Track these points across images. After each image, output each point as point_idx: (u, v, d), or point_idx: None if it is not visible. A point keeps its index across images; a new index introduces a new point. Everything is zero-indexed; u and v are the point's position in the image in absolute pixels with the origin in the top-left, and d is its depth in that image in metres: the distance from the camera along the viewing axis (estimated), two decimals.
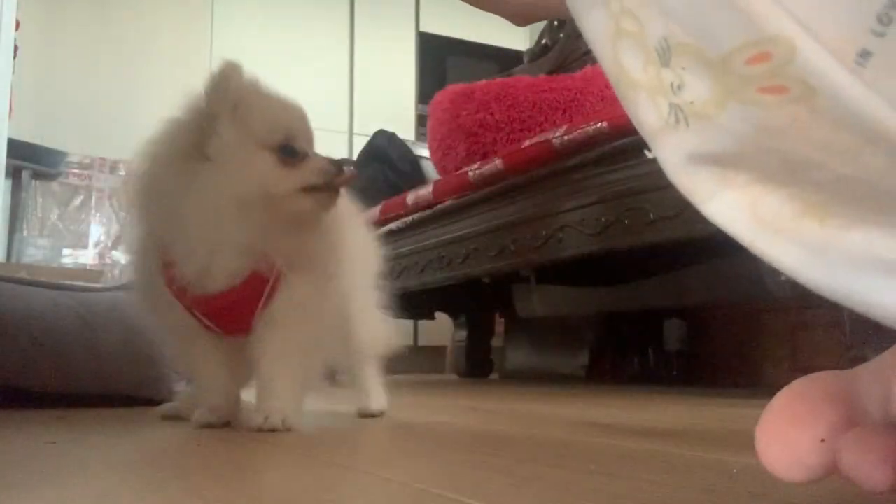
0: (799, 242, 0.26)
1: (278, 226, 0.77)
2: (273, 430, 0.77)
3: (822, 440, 0.34)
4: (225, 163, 0.75)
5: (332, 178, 0.78)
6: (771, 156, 0.26)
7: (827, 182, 0.25)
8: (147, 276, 0.81)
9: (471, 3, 0.67)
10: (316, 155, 0.79)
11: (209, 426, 0.82)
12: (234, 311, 0.79)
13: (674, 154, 0.29)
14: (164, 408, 1.02)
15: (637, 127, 0.30)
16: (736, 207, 0.28)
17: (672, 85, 0.27)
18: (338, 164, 0.79)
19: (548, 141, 1.49)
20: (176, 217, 0.75)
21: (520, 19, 0.67)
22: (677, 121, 0.28)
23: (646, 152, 0.32)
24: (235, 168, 0.75)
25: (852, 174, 0.24)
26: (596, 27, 0.30)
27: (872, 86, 0.22)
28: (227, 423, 0.84)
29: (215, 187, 0.74)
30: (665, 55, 0.27)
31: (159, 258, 0.79)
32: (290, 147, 0.77)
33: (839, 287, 0.26)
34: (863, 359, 0.38)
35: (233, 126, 0.76)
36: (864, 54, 0.22)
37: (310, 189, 0.77)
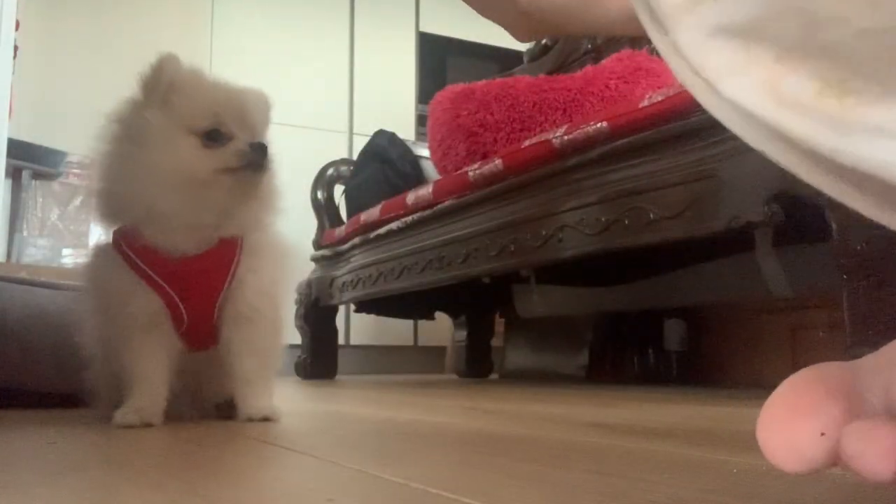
0: (818, 119, 0.26)
1: (216, 202, 0.86)
2: (267, 419, 0.88)
3: (823, 432, 0.34)
4: (152, 147, 0.84)
5: (251, 159, 0.86)
6: (794, 18, 0.26)
7: (848, 44, 0.25)
8: (108, 258, 0.88)
9: (473, 7, 0.67)
10: (243, 139, 0.87)
11: (130, 427, 0.83)
12: (204, 279, 0.87)
13: (697, 32, 0.28)
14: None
15: (654, 9, 0.30)
16: (757, 84, 0.28)
17: None
18: (257, 147, 0.87)
19: (548, 141, 1.49)
20: (128, 194, 0.85)
21: (522, 32, 0.67)
22: None
23: (654, 36, 0.31)
24: (160, 152, 0.84)
25: (875, 26, 0.24)
26: None
27: None
28: (150, 424, 0.85)
29: (145, 169, 0.84)
30: None
31: (119, 239, 0.88)
32: (216, 132, 0.85)
33: (856, 151, 0.26)
34: None
35: (161, 113, 0.85)
36: None
37: (229, 171, 0.85)
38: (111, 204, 0.89)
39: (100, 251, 0.92)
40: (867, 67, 0.25)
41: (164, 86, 0.85)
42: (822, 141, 0.26)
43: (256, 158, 0.86)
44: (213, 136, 0.85)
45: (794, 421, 0.35)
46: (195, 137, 0.85)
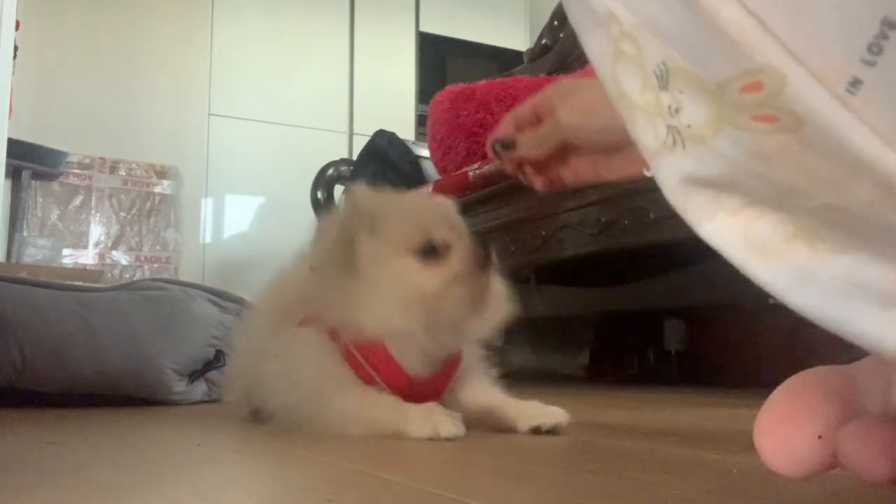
0: (789, 266, 0.27)
1: (450, 318, 0.81)
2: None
3: (820, 436, 0.35)
4: (375, 275, 0.80)
5: (478, 263, 0.82)
6: (761, 181, 0.26)
7: (815, 209, 0.26)
8: (330, 359, 0.83)
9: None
10: (462, 244, 0.83)
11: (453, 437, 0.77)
12: (433, 388, 0.85)
13: (671, 175, 0.29)
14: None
15: (636, 144, 0.31)
16: (729, 230, 0.28)
17: (670, 108, 0.28)
18: (481, 249, 0.83)
19: None
20: (367, 321, 0.79)
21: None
22: (674, 143, 0.28)
23: (643, 171, 0.33)
24: (384, 278, 0.80)
25: (839, 203, 0.25)
26: (596, 48, 0.30)
27: (861, 115, 0.22)
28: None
29: (375, 298, 0.79)
30: (663, 79, 0.27)
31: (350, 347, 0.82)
32: (431, 247, 0.81)
33: (827, 313, 0.26)
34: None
35: (372, 241, 0.81)
36: (855, 83, 0.22)
37: (458, 278, 0.81)
38: (347, 326, 0.82)
39: (314, 347, 0.84)
40: (836, 226, 0.25)
41: (366, 219, 0.82)
42: (790, 295, 0.27)
43: (481, 257, 0.82)
44: (429, 252, 0.81)
45: (791, 426, 0.36)
46: (412, 257, 0.81)
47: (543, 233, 1.52)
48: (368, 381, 0.81)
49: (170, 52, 3.22)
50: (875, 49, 0.22)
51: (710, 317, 1.95)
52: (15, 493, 0.47)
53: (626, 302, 2.03)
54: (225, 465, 0.63)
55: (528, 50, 2.69)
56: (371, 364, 0.81)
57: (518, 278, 2.03)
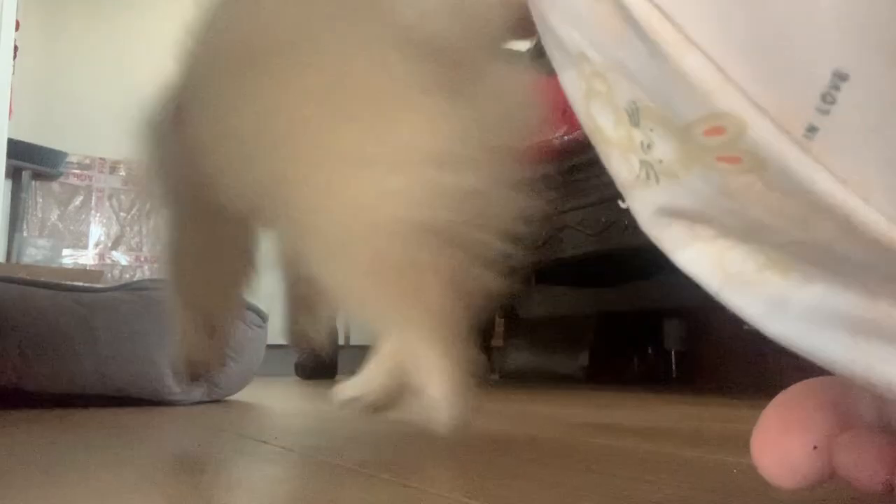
0: (763, 294, 0.27)
1: None
2: None
3: (815, 447, 0.35)
4: None
5: None
6: (732, 217, 0.27)
7: (784, 244, 0.26)
8: None
9: None
10: None
11: None
12: None
13: (645, 207, 0.30)
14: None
15: (612, 177, 0.32)
16: (704, 259, 0.29)
17: (642, 144, 0.29)
18: None
19: (548, 141, 1.49)
20: None
21: None
22: (648, 177, 0.29)
23: (619, 202, 0.34)
24: None
25: (806, 239, 0.25)
26: (571, 85, 0.32)
27: (819, 159, 0.23)
28: None
29: None
30: (634, 116, 0.28)
31: None
32: None
33: (802, 341, 0.27)
34: None
35: None
36: (811, 129, 0.23)
37: None
38: None
39: None
40: (805, 260, 0.26)
41: None
42: (765, 322, 0.28)
43: None
44: None
45: (786, 437, 0.36)
46: None
47: (543, 233, 1.52)
48: None
49: (170, 53, 3.21)
50: (829, 99, 0.23)
51: (710, 317, 1.95)
52: (15, 493, 0.47)
53: (626, 302, 2.03)
54: (225, 465, 0.63)
55: (528, 50, 2.70)
56: None
57: (518, 278, 2.03)
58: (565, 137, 1.44)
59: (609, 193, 1.24)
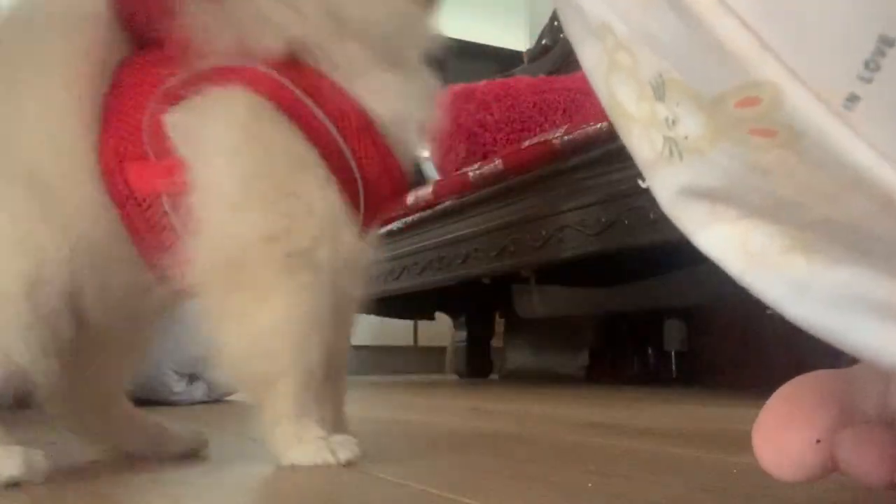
0: (785, 277, 0.26)
1: None
2: None
3: (818, 441, 0.35)
4: None
5: None
6: (759, 194, 0.26)
7: (813, 222, 0.26)
8: None
9: None
10: None
11: None
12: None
13: (667, 186, 0.29)
14: None
15: (631, 155, 0.31)
16: (726, 240, 0.28)
17: (666, 119, 0.27)
18: None
19: (548, 141, 1.49)
20: None
21: None
22: (671, 154, 0.28)
23: (639, 182, 0.33)
24: None
25: (837, 217, 0.24)
26: (590, 59, 0.30)
27: (858, 130, 0.22)
28: None
29: None
30: (660, 90, 0.27)
31: None
32: None
33: (824, 324, 0.26)
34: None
35: None
36: (852, 98, 0.22)
37: None
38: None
39: None
40: (834, 240, 0.25)
41: None
42: (787, 306, 0.27)
43: None
44: None
45: (789, 430, 0.36)
46: None
47: (543, 233, 1.52)
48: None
49: None
50: (872, 66, 0.22)
51: (710, 317, 1.95)
52: (16, 493, 0.47)
53: (626, 302, 2.03)
54: (226, 465, 0.63)
55: (528, 50, 2.70)
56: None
57: (518, 278, 2.03)
58: (565, 137, 1.44)
59: (609, 193, 1.24)
